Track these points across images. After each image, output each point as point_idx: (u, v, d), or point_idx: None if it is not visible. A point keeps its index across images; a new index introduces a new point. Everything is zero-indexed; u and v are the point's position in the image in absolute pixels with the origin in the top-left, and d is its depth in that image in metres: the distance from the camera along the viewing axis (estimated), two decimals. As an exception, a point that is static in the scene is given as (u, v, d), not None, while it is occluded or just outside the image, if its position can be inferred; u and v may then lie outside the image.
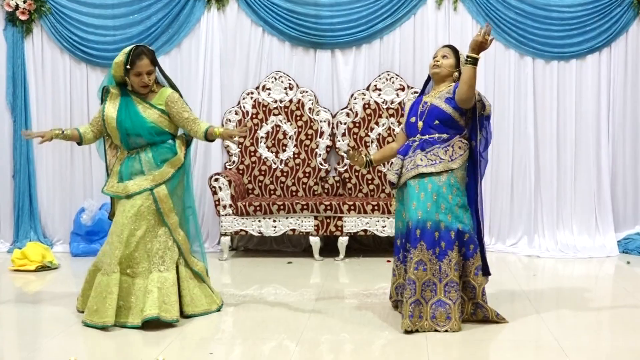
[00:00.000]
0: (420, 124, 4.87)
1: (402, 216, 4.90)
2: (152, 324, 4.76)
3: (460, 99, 4.74)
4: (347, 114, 7.51)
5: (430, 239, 4.67)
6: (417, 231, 4.68)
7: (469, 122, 4.88)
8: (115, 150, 5.25)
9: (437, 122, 4.83)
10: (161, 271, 4.90)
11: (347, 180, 7.48)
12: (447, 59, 4.92)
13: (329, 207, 7.05)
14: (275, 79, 7.57)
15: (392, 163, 5.07)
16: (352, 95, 7.54)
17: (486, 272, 4.93)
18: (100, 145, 5.31)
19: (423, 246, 4.67)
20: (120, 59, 5.01)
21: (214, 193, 7.10)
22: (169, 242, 5.00)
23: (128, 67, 4.94)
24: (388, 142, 7.45)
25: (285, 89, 7.56)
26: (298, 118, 7.54)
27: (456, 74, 4.91)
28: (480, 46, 4.65)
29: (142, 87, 5.02)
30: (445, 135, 4.83)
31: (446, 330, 4.62)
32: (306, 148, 7.52)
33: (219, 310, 5.17)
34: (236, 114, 7.55)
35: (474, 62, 4.65)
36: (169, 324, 4.78)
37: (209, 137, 5.07)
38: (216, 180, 7.10)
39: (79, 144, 5.23)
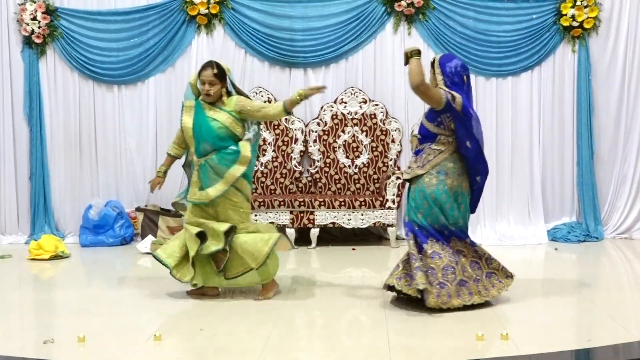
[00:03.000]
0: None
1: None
2: (150, 302, 4.74)
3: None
4: (318, 124, 7.51)
5: None
6: None
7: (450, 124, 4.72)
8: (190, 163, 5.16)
9: (419, 136, 4.80)
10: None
11: (318, 180, 7.47)
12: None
13: (302, 203, 7.04)
14: (256, 93, 7.54)
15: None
16: (322, 107, 7.54)
17: None
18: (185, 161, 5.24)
19: None
20: (198, 70, 5.05)
21: (204, 191, 7.06)
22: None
23: (200, 75, 4.97)
24: (353, 148, 7.46)
25: (264, 102, 7.53)
26: (276, 127, 7.53)
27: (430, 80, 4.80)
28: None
29: (205, 94, 4.95)
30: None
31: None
32: (283, 153, 7.51)
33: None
34: (223, 123, 7.52)
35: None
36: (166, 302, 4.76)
37: (289, 108, 4.99)
38: (206, 180, 7.07)
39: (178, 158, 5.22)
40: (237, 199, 4.98)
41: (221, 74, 4.99)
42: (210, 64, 5.00)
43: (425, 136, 4.77)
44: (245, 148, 4.97)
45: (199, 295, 5.05)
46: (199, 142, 4.93)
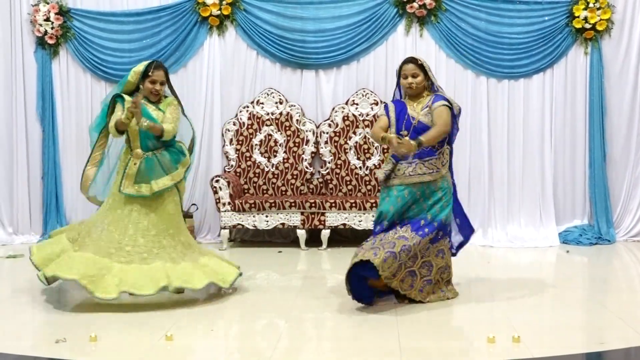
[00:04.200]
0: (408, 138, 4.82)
1: (389, 209, 4.86)
2: (163, 303, 4.76)
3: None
4: (329, 125, 7.51)
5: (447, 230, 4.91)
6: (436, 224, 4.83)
7: None
8: (101, 150, 5.16)
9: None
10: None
11: (329, 181, 7.47)
12: (416, 77, 4.85)
13: (313, 204, 7.04)
14: (268, 94, 7.56)
15: (388, 164, 4.94)
16: (333, 108, 7.54)
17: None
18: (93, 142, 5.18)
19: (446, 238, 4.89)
20: (139, 69, 5.03)
21: (215, 192, 7.08)
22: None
23: (150, 73, 4.97)
24: (365, 149, 7.46)
25: (276, 103, 7.55)
26: (287, 128, 7.54)
27: (426, 82, 4.91)
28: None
29: (153, 93, 5.03)
30: (437, 145, 4.85)
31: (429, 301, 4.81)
32: (294, 154, 7.52)
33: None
34: (234, 124, 7.54)
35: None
36: (178, 302, 4.78)
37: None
38: (217, 181, 7.09)
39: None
40: (177, 199, 5.08)
41: (168, 76, 5.15)
42: (160, 64, 5.12)
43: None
44: (187, 152, 5.15)
45: None
46: (144, 138, 4.96)
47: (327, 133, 7.50)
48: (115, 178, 5.08)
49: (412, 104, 4.90)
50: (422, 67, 4.86)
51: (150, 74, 5.01)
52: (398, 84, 5.01)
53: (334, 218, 7.06)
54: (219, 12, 7.42)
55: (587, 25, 7.34)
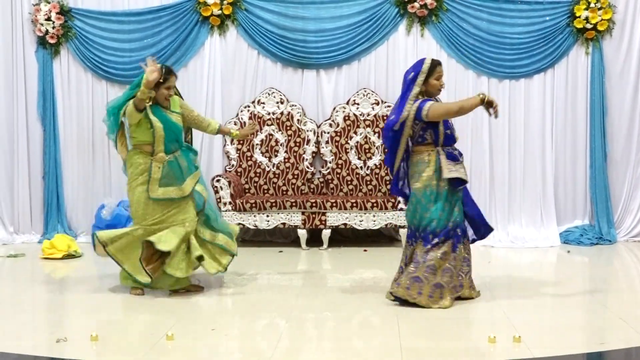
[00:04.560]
0: (456, 135, 4.96)
1: (455, 211, 4.86)
2: (163, 303, 4.76)
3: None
4: (330, 125, 7.51)
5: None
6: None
7: None
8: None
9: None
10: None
11: (330, 181, 7.47)
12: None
13: (314, 204, 7.04)
14: (269, 94, 7.56)
15: (453, 165, 4.88)
16: (334, 108, 7.54)
17: None
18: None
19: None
20: None
21: (216, 192, 7.08)
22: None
23: (161, 80, 5.00)
24: (365, 149, 7.45)
25: (277, 103, 7.55)
26: (288, 128, 7.53)
27: None
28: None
29: (166, 99, 5.13)
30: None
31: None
32: (295, 154, 7.51)
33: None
34: (235, 124, 7.53)
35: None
36: (179, 302, 4.78)
37: (221, 133, 5.54)
38: (218, 181, 7.09)
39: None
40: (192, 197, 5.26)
41: None
42: (172, 69, 5.21)
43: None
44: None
45: (185, 293, 5.15)
46: (168, 141, 5.08)
47: (328, 133, 7.50)
48: (135, 186, 5.12)
49: None
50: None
51: (162, 80, 5.04)
52: (419, 83, 4.83)
53: (335, 218, 7.06)
54: (220, 11, 7.42)
55: (588, 26, 7.33)
